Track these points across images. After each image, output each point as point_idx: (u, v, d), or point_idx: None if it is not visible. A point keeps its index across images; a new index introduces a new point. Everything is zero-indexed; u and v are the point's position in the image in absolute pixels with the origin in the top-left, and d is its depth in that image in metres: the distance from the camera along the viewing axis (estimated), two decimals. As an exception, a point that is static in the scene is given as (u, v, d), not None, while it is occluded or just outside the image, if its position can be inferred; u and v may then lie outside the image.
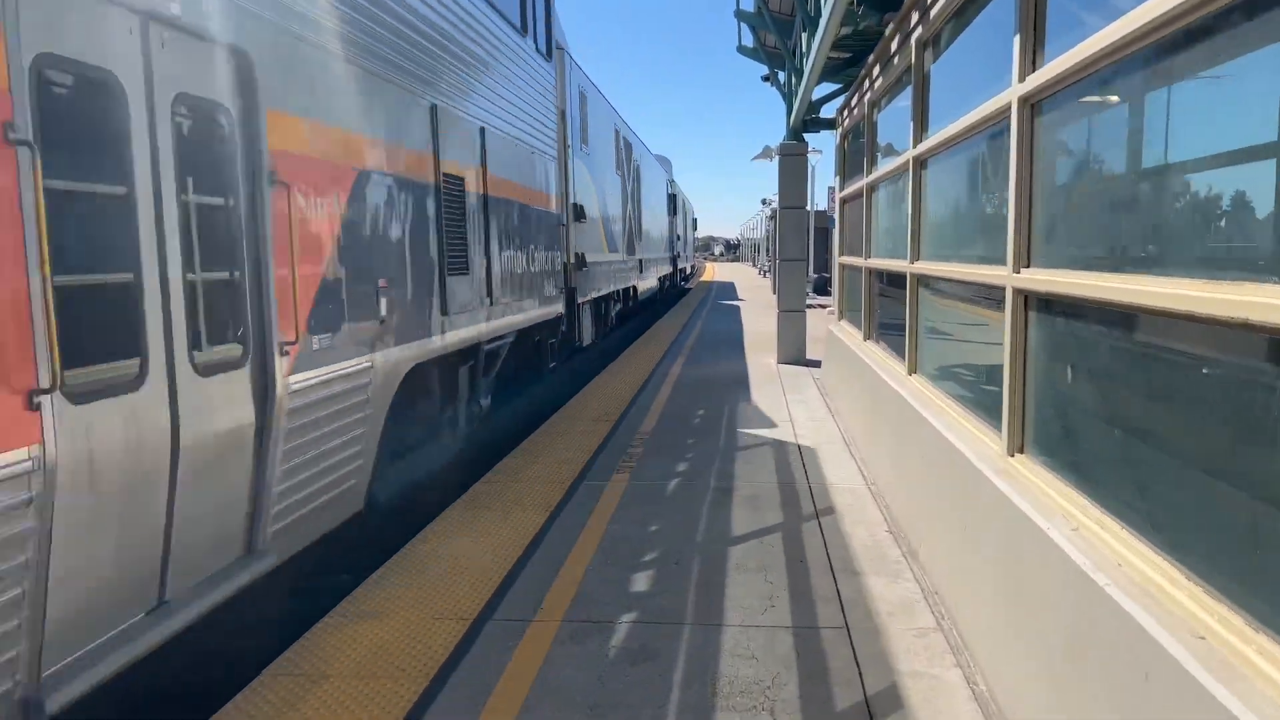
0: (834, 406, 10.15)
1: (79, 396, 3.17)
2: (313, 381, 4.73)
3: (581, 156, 13.20)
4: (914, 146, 6.52)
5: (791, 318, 14.03)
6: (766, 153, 15.32)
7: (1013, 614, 3.62)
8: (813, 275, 30.68)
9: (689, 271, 42.85)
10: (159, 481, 3.61)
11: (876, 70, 8.47)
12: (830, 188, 25.21)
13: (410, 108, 6.26)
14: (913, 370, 6.65)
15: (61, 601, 3.16)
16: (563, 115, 11.76)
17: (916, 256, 6.57)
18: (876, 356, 8.19)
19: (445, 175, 6.87)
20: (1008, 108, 4.17)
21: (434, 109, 6.67)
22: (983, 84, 5.00)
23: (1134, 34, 2.87)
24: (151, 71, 3.58)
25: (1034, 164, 4.00)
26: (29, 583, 3.01)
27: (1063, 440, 3.75)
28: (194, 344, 3.82)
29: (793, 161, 13.91)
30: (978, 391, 5.08)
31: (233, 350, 4.15)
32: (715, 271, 79.29)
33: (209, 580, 4.04)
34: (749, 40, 15.31)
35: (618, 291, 17.31)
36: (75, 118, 3.25)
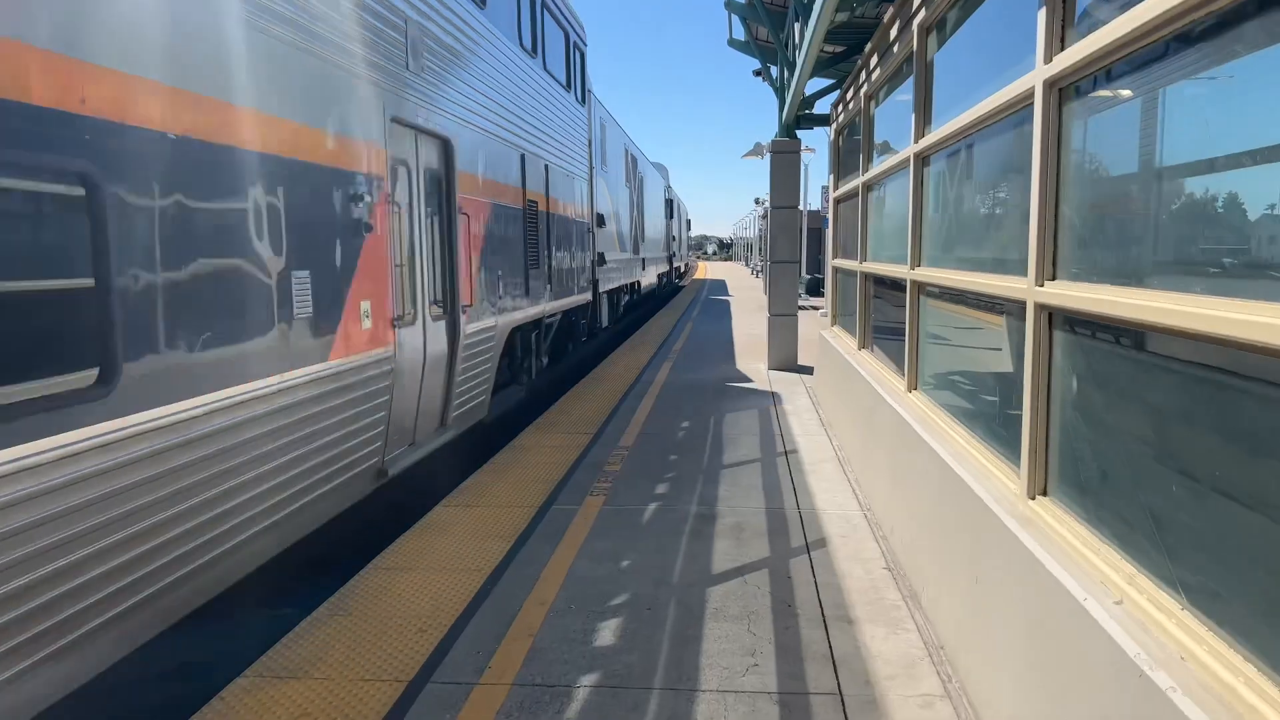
0: (827, 418, 9.58)
1: (398, 324, 6.23)
2: (473, 330, 7.90)
3: (601, 174, 16.22)
4: (915, 141, 5.94)
5: (782, 322, 13.45)
6: (757, 150, 14.72)
7: (1041, 698, 3.04)
8: (805, 276, 30.22)
9: (683, 269, 47.37)
10: (421, 371, 6.78)
11: (874, 60, 7.89)
12: (824, 187, 24.65)
13: (513, 158, 9.48)
14: (913, 386, 6.07)
15: (394, 421, 6.27)
16: (589, 144, 14.65)
17: (918, 262, 5.99)
18: (872, 368, 7.61)
19: (527, 200, 10.02)
20: (1030, 94, 3.59)
21: (522, 156, 9.78)
22: (996, 69, 4.42)
23: (1184, 4, 2.30)
24: (418, 155, 6.82)
25: (1061, 159, 3.42)
26: (384, 411, 6.00)
27: (1100, 486, 3.18)
28: (430, 303, 6.96)
29: (785, 159, 13.33)
30: (989, 416, 4.50)
31: (441, 309, 7.27)
32: (707, 270, 78.93)
33: (431, 436, 7.25)
34: (740, 33, 14.73)
35: (626, 285, 20.39)
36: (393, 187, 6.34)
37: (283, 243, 4.74)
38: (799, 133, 13.59)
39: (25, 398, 3.14)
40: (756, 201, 71.84)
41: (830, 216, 11.27)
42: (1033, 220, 3.51)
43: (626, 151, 20.04)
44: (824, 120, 13.64)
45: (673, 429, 9.08)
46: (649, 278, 26.08)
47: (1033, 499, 3.56)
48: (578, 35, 13.30)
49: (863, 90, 8.51)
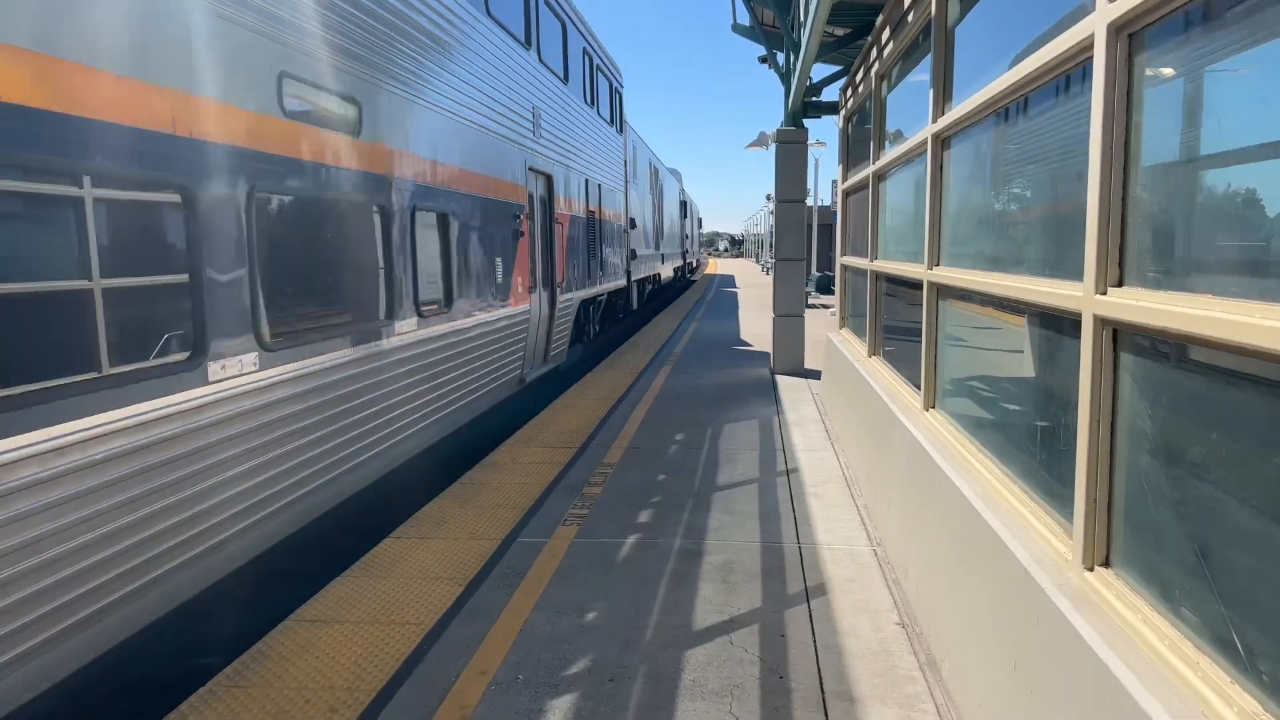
0: (833, 430, 8.77)
1: (530, 293, 10.27)
2: (563, 300, 11.67)
3: (633, 186, 20.05)
4: (934, 121, 5.13)
5: (788, 323, 12.63)
6: (762, 140, 13.84)
7: None
8: (815, 274, 29.38)
9: (695, 265, 52.21)
10: (537, 323, 10.67)
11: (886, 34, 7.08)
12: (834, 181, 23.77)
13: (581, 182, 13.44)
14: (930, 404, 5.27)
15: (526, 351, 10.20)
16: (625, 163, 18.68)
17: (936, 260, 5.18)
18: (883, 380, 6.80)
19: (588, 211, 13.95)
20: (1087, 44, 2.78)
21: (586, 180, 13.70)
22: (1034, 25, 3.62)
23: None
24: (537, 187, 10.67)
25: (1132, 128, 2.61)
26: (523, 343, 10.00)
27: (1189, 563, 2.37)
28: (541, 283, 10.80)
29: (791, 150, 12.50)
30: (1028, 449, 3.70)
31: (546, 286, 11.10)
32: (717, 266, 78.40)
33: (539, 366, 10.91)
34: (745, 17, 13.89)
35: (651, 275, 24.87)
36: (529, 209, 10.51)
37: (494, 243, 9.00)
38: (807, 123, 12.77)
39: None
40: (767, 198, 71.13)
41: (839, 210, 10.45)
42: (1091, 209, 2.71)
43: (650, 164, 24.43)
44: (833, 108, 12.81)
45: (665, 441, 8.29)
46: (667, 270, 30.68)
47: (1090, 570, 2.76)
48: (618, 81, 17.82)
49: (873, 70, 7.70)
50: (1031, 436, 3.67)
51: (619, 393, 11.03)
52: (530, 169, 10.35)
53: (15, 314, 3.32)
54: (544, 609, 4.51)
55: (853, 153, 9.95)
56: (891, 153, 6.91)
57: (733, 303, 28.76)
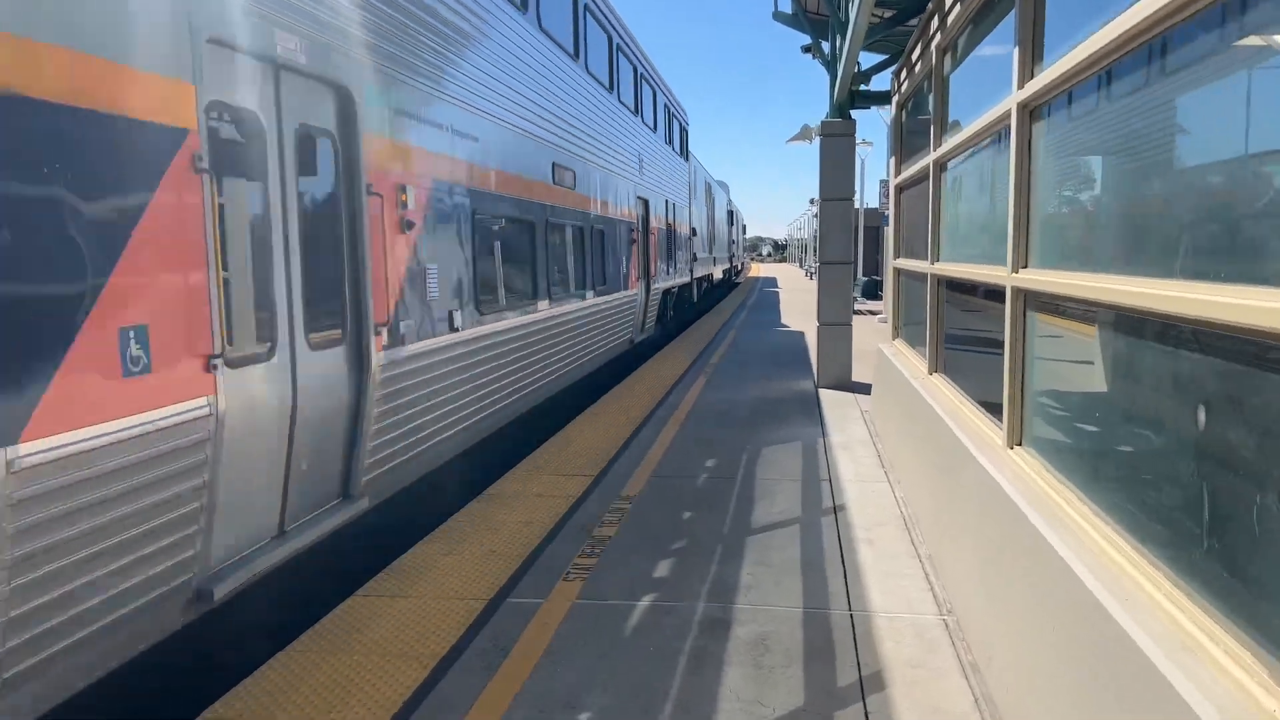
0: (887, 457, 7.71)
1: (639, 282, 15.40)
2: (654, 289, 16.43)
3: (693, 202, 24.03)
4: (1019, 88, 4.11)
5: (834, 332, 11.57)
6: (805, 133, 12.76)
7: None
8: (861, 278, 28.23)
9: (740, 268, 55.79)
10: (638, 303, 15.28)
11: (949, 1, 6.05)
12: (882, 181, 22.59)
13: (663, 203, 18.06)
14: (1016, 440, 4.23)
15: (632, 323, 14.93)
16: (688, 184, 22.71)
17: (1023, 261, 4.15)
18: (949, 404, 5.75)
19: (666, 223, 18.40)
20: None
21: (665, 201, 18.18)
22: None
23: None
24: (640, 209, 15.55)
25: None
26: (632, 316, 14.75)
27: None
28: (641, 277, 15.33)
29: (837, 144, 11.45)
30: (1176, 519, 2.66)
31: (643, 279, 15.46)
32: (760, 270, 77.30)
33: (639, 335, 15.72)
34: (787, 5, 12.88)
35: (705, 275, 28.90)
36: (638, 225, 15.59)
37: (622, 249, 13.25)
38: (854, 114, 11.71)
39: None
40: (811, 201, 70.03)
41: (891, 208, 9.39)
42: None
43: (705, 182, 28.85)
44: (883, 97, 11.75)
45: (694, 468, 7.32)
46: (717, 272, 34.81)
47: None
48: (685, 122, 22.65)
49: (934, 43, 6.66)
50: (1183, 500, 2.63)
51: (650, 406, 10.08)
52: (637, 197, 15.25)
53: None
54: (526, 703, 3.56)
55: (907, 144, 8.90)
56: (957, 136, 5.87)
57: (774, 306, 27.68)
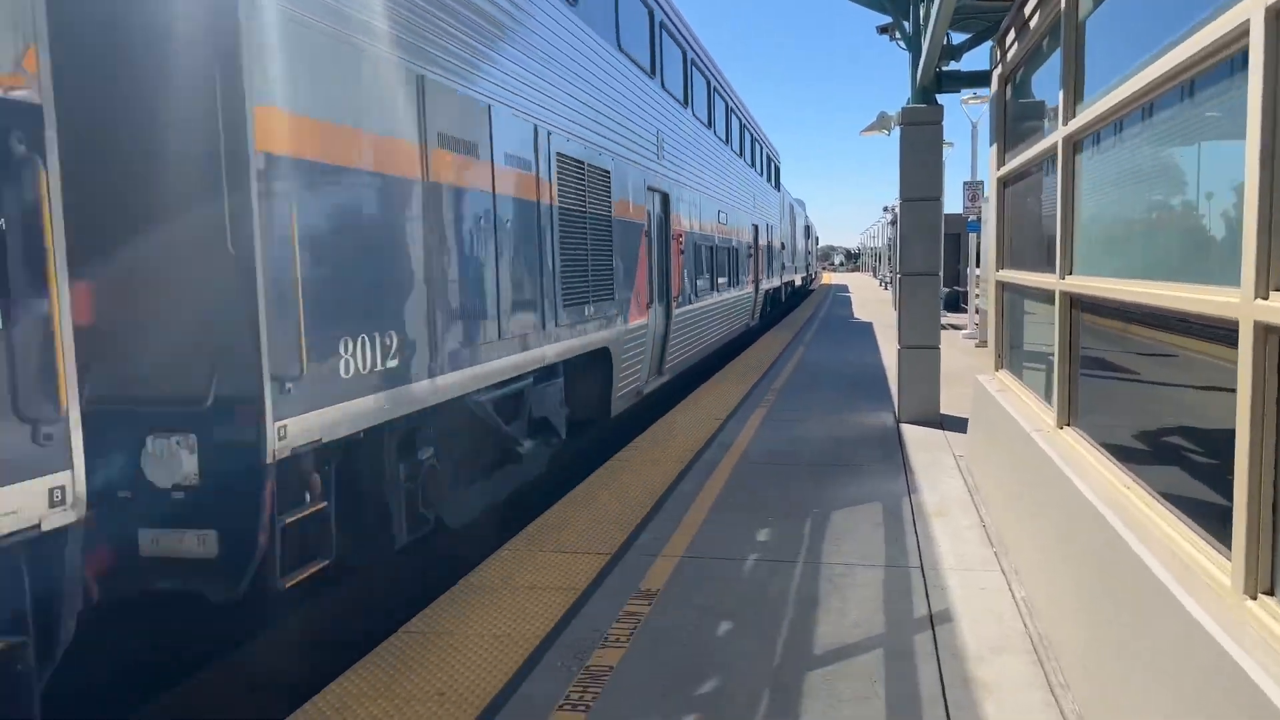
0: (996, 530, 5.92)
1: (752, 284, 21.07)
2: (761, 288, 22.27)
3: (782, 222, 28.65)
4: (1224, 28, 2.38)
5: (918, 357, 9.75)
6: (883, 122, 10.92)
7: None
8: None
9: (813, 276, 60.80)
10: (751, 299, 20.60)
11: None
12: (966, 183, 20.49)
13: (765, 228, 23.39)
14: (1266, 586, 2.48)
15: (749, 313, 21.11)
16: (779, 210, 27.75)
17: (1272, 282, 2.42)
18: (1100, 481, 3.98)
19: (767, 242, 23.57)
20: None
21: (767, 224, 23.68)
22: None
23: None
24: (752, 232, 20.80)
25: None
26: (749, 308, 20.82)
27: None
28: (753, 280, 20.72)
29: (920, 134, 9.66)
30: None
31: (754, 281, 20.96)
32: (831, 279, 75.35)
33: (751, 323, 21.33)
34: (860, -22, 11.12)
35: (788, 281, 33.52)
36: (752, 243, 21.40)
37: (742, 260, 18.77)
38: (941, 99, 9.90)
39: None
40: (885, 209, 67.58)
41: (993, 205, 7.58)
42: None
43: (789, 205, 33.52)
44: (976, 79, 9.92)
45: (740, 544, 5.65)
46: (797, 279, 40.41)
47: None
48: (778, 160, 27.81)
49: (1064, -19, 4.90)
50: None
51: (696, 445, 8.43)
52: (752, 224, 20.54)
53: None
54: None
55: (1014, 126, 7.11)
56: (1107, 100, 4.09)
57: (844, 324, 25.74)
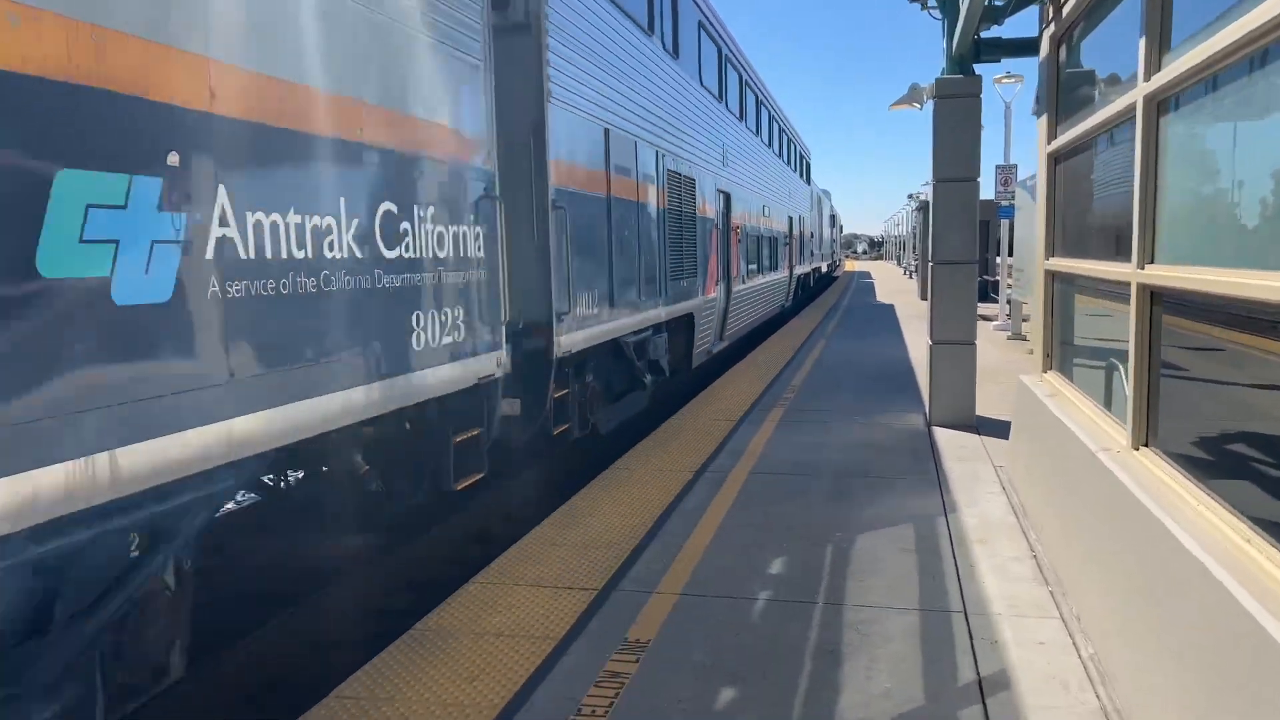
0: (1050, 562, 5.05)
1: (789, 268, 23.68)
2: (795, 273, 24.97)
3: (811, 213, 31.71)
4: None
5: (952, 354, 8.87)
6: (914, 95, 9.95)
7: None
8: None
9: (837, 262, 64.12)
10: (785, 282, 22.73)
11: None
12: (999, 167, 19.44)
13: (798, 216, 26.24)
14: None
15: (783, 295, 23.10)
16: (809, 202, 30.83)
17: None
18: (1210, 530, 3.12)
19: (800, 231, 26.46)
20: None
21: (800, 216, 26.71)
22: None
23: None
24: (787, 224, 22.94)
25: None
26: (784, 290, 23.19)
27: None
28: (788, 264, 23.04)
29: (955, 107, 8.74)
30: None
31: (789, 266, 23.28)
32: (854, 266, 74.25)
33: (784, 303, 23.72)
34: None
35: (816, 267, 36.29)
36: (787, 234, 23.59)
37: (780, 248, 21.13)
38: (979, 71, 8.96)
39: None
40: (910, 197, 66.25)
41: (1042, 185, 6.67)
42: None
43: (817, 197, 35.83)
44: (1019, 48, 8.96)
45: (749, 579, 4.83)
46: (824, 266, 43.33)
47: None
48: (809, 156, 31.15)
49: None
50: None
51: (706, 452, 7.63)
52: (788, 216, 22.91)
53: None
54: None
55: (1068, 95, 6.20)
56: (1215, 42, 3.21)
57: (868, 312, 24.77)
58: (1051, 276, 6.40)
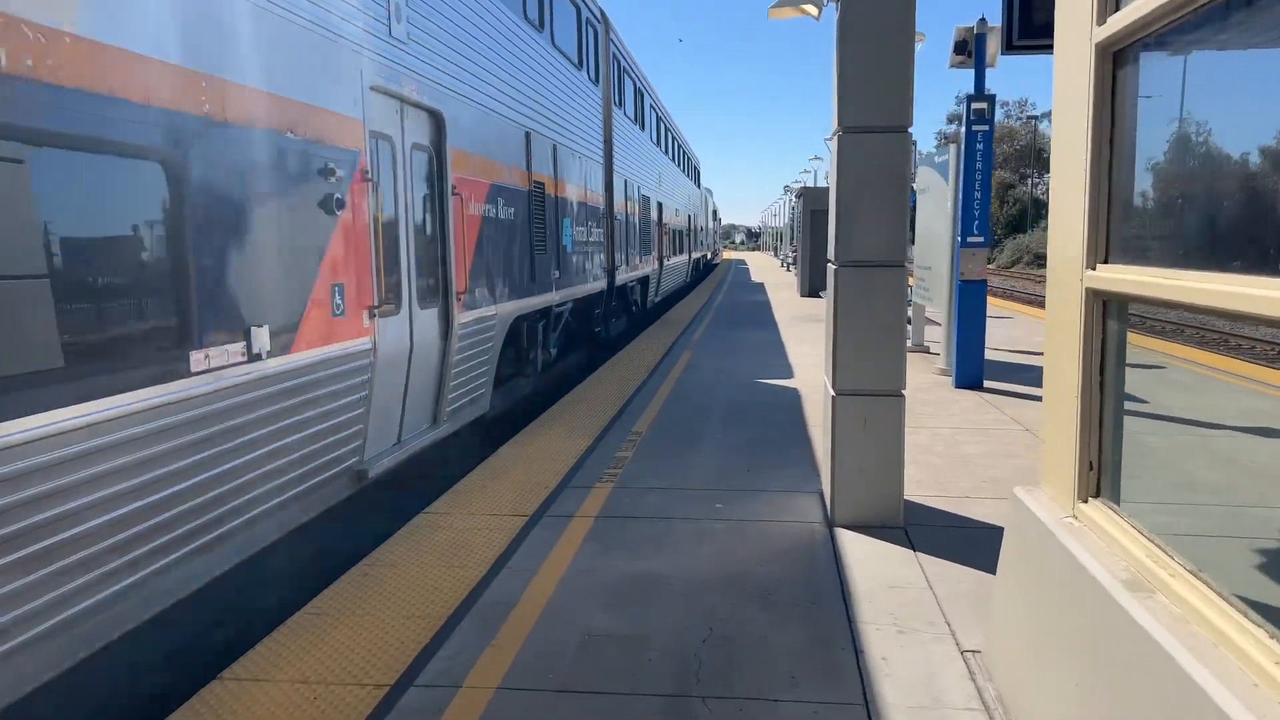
0: None
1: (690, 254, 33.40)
2: (693, 256, 36.40)
3: (702, 211, 42.69)
4: None
5: (867, 412, 5.50)
6: (803, -6, 6.67)
7: None
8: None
9: (716, 251, 71.10)
10: (690, 264, 32.94)
11: None
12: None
13: (692, 215, 35.74)
14: None
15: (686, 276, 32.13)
16: (700, 202, 40.98)
17: None
18: None
19: (695, 226, 37.04)
20: None
21: (694, 215, 36.56)
22: None
23: None
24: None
25: None
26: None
27: None
28: (689, 251, 33.03)
29: (875, 8, 5.37)
30: None
31: (689, 252, 33.37)
32: (731, 255, 72.02)
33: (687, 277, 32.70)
34: None
35: (704, 254, 46.44)
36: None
37: (687, 237, 32.37)
38: None
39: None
40: (786, 189, 64.56)
41: (1079, 115, 3.29)
42: None
43: (705, 197, 46.08)
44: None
45: None
46: (709, 254, 53.71)
47: None
48: (699, 165, 40.09)
49: None
50: None
51: (442, 612, 4.02)
52: (688, 215, 31.71)
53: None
54: None
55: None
56: None
57: (744, 313, 21.64)
58: (1102, 303, 3.05)
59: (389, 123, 6.10)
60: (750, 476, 6.58)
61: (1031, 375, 10.62)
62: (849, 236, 5.44)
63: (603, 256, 14.44)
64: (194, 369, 3.94)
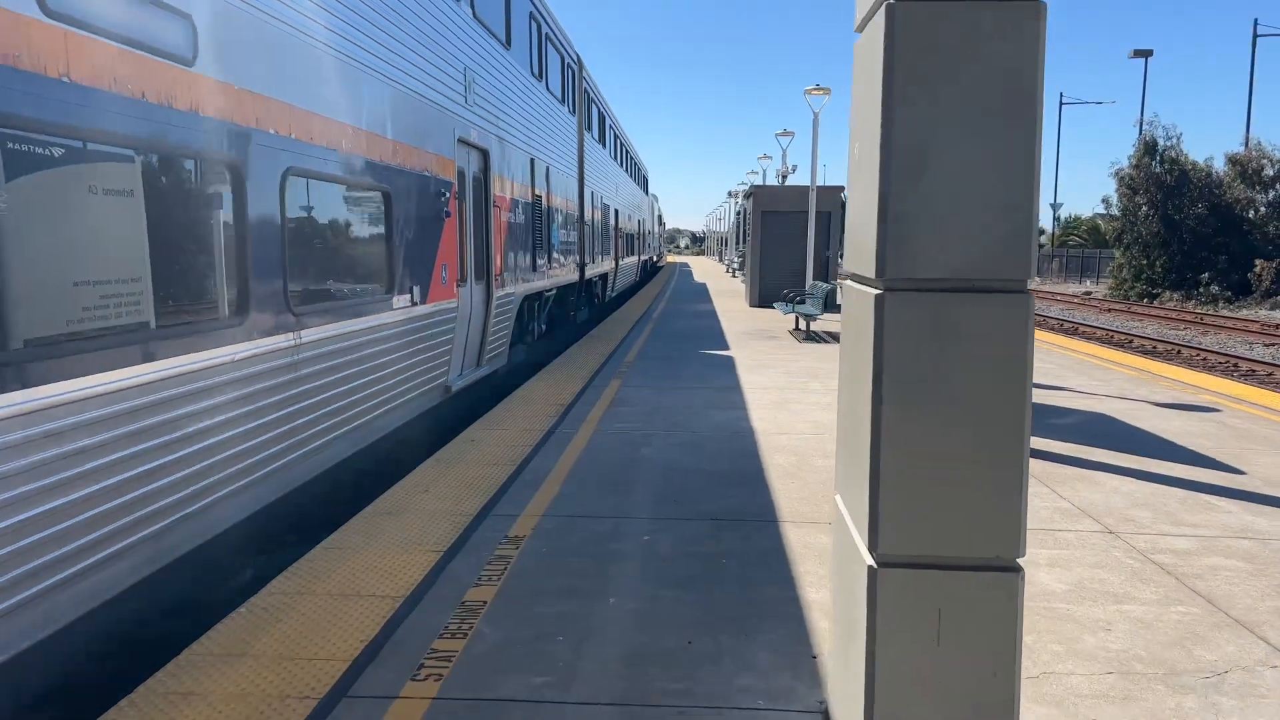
0: None
1: (639, 255, 38.96)
2: (641, 259, 41.94)
3: (651, 215, 50.83)
4: None
5: (945, 597, 2.58)
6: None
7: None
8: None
9: (661, 254, 76.14)
10: (640, 264, 39.46)
11: None
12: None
13: (641, 220, 41.62)
14: None
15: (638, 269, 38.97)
16: (649, 210, 48.18)
17: None
18: None
19: (645, 230, 45.18)
20: None
21: (643, 221, 42.81)
22: None
23: None
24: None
25: None
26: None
27: None
28: (641, 253, 40.57)
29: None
30: None
31: (640, 254, 39.43)
32: (675, 259, 71.54)
33: (637, 275, 38.98)
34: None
35: (650, 256, 53.28)
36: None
37: (642, 240, 43.14)
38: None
39: None
40: (730, 194, 68.02)
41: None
42: None
43: (654, 205, 54.49)
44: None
45: None
46: (654, 256, 60.22)
47: None
48: (648, 173, 45.30)
49: None
50: None
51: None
52: (639, 220, 37.02)
53: None
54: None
55: None
56: None
57: (686, 326, 19.91)
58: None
59: (464, 160, 9.18)
60: (689, 662, 3.76)
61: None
62: (910, 222, 2.47)
63: (576, 255, 17.49)
64: (394, 306, 7.11)
